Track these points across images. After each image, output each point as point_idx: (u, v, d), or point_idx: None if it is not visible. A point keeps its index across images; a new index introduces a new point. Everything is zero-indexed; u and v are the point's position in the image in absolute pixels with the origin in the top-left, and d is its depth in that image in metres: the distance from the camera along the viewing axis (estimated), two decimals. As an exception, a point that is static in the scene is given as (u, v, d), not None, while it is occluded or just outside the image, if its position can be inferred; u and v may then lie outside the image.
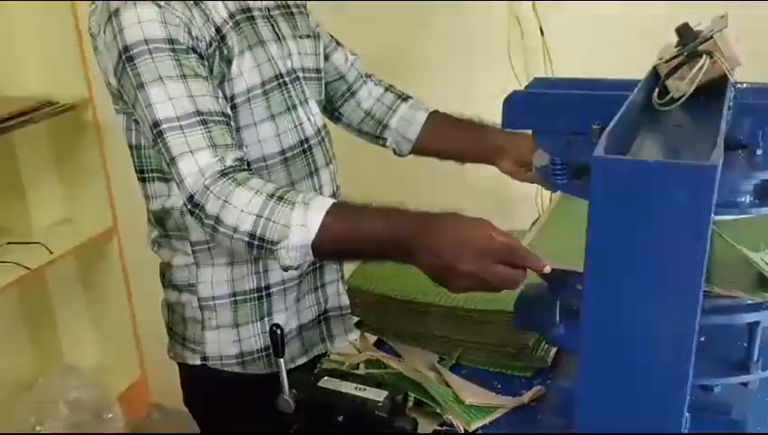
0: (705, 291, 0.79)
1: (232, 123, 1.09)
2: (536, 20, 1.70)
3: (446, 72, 1.85)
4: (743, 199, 0.78)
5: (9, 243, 2.17)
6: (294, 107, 1.20)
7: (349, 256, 1.07)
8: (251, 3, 1.17)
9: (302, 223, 0.96)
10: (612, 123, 0.73)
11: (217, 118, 1.05)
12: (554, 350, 1.20)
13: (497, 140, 1.30)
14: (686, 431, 0.92)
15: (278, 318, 1.23)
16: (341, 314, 1.34)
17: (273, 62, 1.17)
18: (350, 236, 0.97)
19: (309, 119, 1.22)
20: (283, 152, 1.18)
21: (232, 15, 1.13)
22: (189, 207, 1.02)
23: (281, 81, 1.18)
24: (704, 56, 0.89)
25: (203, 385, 1.28)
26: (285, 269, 1.01)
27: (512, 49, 1.73)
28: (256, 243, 0.98)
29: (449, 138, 1.37)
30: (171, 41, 1.04)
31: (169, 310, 1.29)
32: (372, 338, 1.33)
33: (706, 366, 0.87)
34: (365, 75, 1.44)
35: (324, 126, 1.28)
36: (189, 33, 1.05)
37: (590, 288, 0.70)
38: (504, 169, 1.31)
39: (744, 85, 0.94)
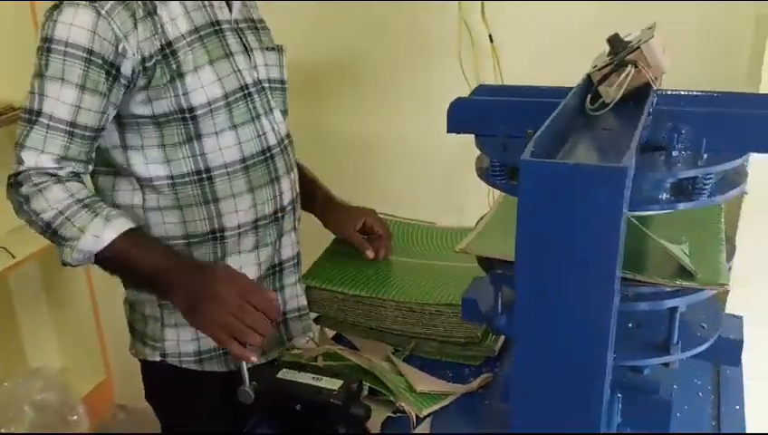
0: (629, 278, 0.88)
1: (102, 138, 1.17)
2: (485, 27, 1.77)
3: (399, 74, 1.90)
4: (662, 196, 0.86)
5: (-30, 249, 2.14)
6: (258, 117, 1.24)
7: (125, 273, 1.21)
8: (220, 16, 1.21)
9: (97, 234, 1.09)
10: (541, 129, 0.80)
11: (88, 134, 1.13)
12: (502, 340, 1.27)
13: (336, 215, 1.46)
14: (618, 410, 1.01)
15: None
16: (300, 316, 1.37)
17: (239, 73, 1.21)
18: (130, 257, 1.12)
19: (273, 128, 1.27)
20: (243, 160, 1.22)
21: (196, 30, 1.16)
22: (11, 180, 1.13)
23: (246, 91, 1.22)
24: (629, 65, 0.97)
25: (162, 381, 1.32)
26: (64, 264, 1.13)
27: (462, 53, 1.80)
28: (49, 233, 1.12)
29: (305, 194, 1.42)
30: (91, 51, 1.09)
31: (131, 308, 1.32)
32: (331, 333, 1.38)
33: (635, 349, 0.95)
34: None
35: (288, 135, 1.32)
36: (116, 48, 1.10)
37: (521, 280, 0.76)
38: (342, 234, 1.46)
39: (668, 92, 1.02)
